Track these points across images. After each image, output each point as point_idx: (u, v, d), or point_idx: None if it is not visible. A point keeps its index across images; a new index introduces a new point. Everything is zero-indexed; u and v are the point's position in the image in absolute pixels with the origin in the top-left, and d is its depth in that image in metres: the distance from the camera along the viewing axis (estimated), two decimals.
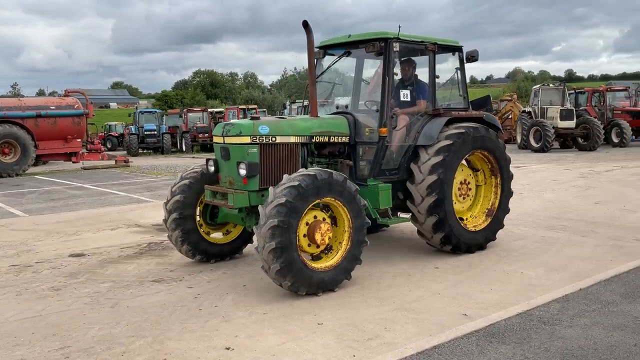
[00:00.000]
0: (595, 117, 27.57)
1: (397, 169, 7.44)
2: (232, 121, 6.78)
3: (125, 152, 37.43)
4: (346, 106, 8.11)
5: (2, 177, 20.47)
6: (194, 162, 26.46)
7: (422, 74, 7.85)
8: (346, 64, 8.15)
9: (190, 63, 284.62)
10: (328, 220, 6.17)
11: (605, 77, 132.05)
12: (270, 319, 5.35)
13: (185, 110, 40.94)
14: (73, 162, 23.31)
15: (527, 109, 28.92)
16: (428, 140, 7.30)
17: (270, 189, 5.90)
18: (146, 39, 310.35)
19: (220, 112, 39.42)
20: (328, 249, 6.28)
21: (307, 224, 6.00)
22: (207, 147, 36.24)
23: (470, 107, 8.27)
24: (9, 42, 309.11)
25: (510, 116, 34.00)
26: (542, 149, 25.73)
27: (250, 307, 5.71)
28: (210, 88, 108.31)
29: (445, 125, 7.43)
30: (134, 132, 36.99)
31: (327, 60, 7.96)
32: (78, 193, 15.26)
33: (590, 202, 11.36)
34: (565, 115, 25.96)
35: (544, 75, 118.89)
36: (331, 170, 6.12)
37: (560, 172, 17.04)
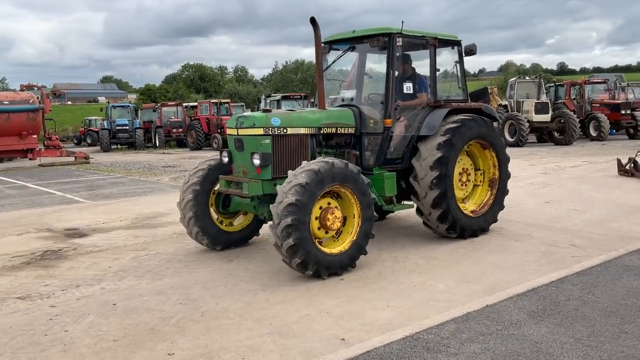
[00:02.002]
0: (573, 111, 26.94)
1: (400, 158, 7.77)
2: (245, 114, 7.17)
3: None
4: (351, 99, 8.32)
5: None
6: (160, 159, 25.70)
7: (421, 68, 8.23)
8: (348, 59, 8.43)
9: (182, 57, 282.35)
10: (339, 206, 6.47)
11: (597, 70, 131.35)
12: (117, 349, 4.63)
13: (159, 104, 40.01)
14: (30, 159, 22.49)
15: (504, 102, 28.27)
16: (430, 130, 7.58)
17: (290, 172, 6.22)
18: (138, 33, 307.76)
19: (194, 107, 38.50)
20: (338, 234, 6.56)
21: (320, 208, 6.30)
22: (182, 143, 35.35)
23: (469, 98, 8.58)
24: None
25: None
26: (517, 144, 25.02)
27: (105, 332, 4.98)
28: (199, 82, 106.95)
29: (446, 116, 7.68)
30: (106, 127, 36.09)
31: (332, 56, 8.15)
32: (14, 193, 14.50)
33: (541, 201, 10.69)
34: (540, 108, 25.31)
35: (536, 68, 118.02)
36: (346, 161, 6.49)
37: (524, 168, 16.36)
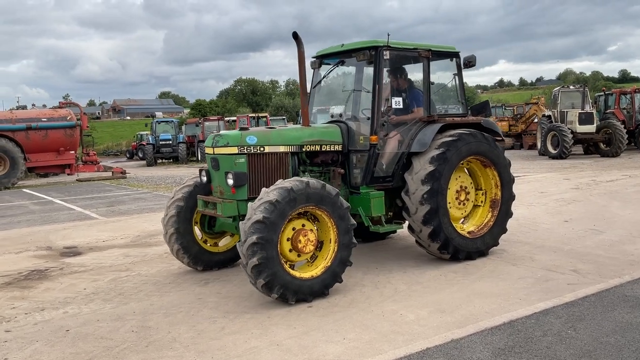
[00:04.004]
0: (622, 121, 25.62)
1: (391, 177, 7.41)
2: (221, 132, 6.94)
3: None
4: (340, 115, 8.07)
5: None
6: (195, 173, 25.71)
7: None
8: (348, 72, 8.29)
9: (238, 71, 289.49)
10: (314, 228, 6.17)
11: None
12: None
13: (202, 119, 40.62)
14: (68, 174, 23.09)
15: (548, 112, 27.17)
16: (421, 147, 7.22)
17: (263, 189, 5.97)
18: (196, 49, 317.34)
19: (234, 121, 38.88)
20: (313, 258, 6.28)
21: (293, 229, 6.04)
22: None
23: (470, 112, 8.24)
24: (65, 54, 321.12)
25: (535, 120, 32.19)
26: (560, 156, 23.96)
27: None
28: (250, 96, 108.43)
29: (440, 131, 7.33)
30: (150, 141, 36.90)
31: (324, 70, 8.02)
32: (37, 209, 14.78)
33: (560, 220, 10.01)
34: (584, 119, 24.16)
35: (596, 76, 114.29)
36: (324, 183, 6.16)
37: (556, 182, 15.54)
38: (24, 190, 20.18)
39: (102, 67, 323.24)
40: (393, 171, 7.41)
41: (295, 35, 6.86)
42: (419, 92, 7.68)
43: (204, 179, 7.03)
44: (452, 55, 7.90)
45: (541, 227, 9.50)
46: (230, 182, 6.49)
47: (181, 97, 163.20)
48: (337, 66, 7.83)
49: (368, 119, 7.25)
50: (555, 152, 24.33)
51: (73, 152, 22.39)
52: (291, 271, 5.98)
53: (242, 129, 6.87)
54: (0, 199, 17.52)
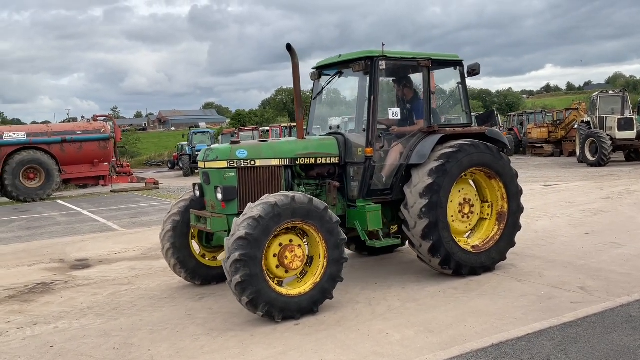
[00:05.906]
0: None
1: (389, 189, 7.21)
2: (212, 146, 6.89)
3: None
4: (338, 126, 7.99)
5: (27, 201, 20.89)
6: None
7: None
8: (350, 83, 8.15)
9: (280, 81, 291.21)
10: (302, 243, 6.07)
11: None
12: None
13: (237, 129, 41.02)
14: (102, 186, 23.58)
15: (587, 118, 26.29)
16: (420, 158, 7.01)
17: (249, 204, 5.87)
18: (239, 60, 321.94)
19: (267, 131, 39.12)
20: (303, 274, 6.16)
21: (280, 245, 5.93)
22: None
23: (476, 122, 8.09)
24: (114, 68, 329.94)
25: (575, 126, 31.17)
26: (599, 163, 23.11)
27: None
28: (291, 105, 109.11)
29: (441, 142, 7.11)
30: (187, 152, 37.44)
31: (324, 82, 7.91)
32: (63, 220, 15.08)
33: (580, 232, 9.59)
34: (623, 124, 23.25)
35: None
36: (312, 197, 6.03)
37: (588, 191, 14.93)
38: (58, 201, 20.67)
39: (149, 79, 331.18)
40: (392, 184, 7.22)
41: (289, 47, 6.78)
42: (422, 103, 7.47)
43: (197, 193, 7.03)
44: (455, 63, 7.70)
45: (559, 239, 9.10)
46: (220, 196, 6.42)
47: (224, 108, 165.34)
48: (336, 77, 7.70)
49: (364, 130, 7.08)
50: (594, 159, 23.48)
51: (107, 163, 22.83)
52: (277, 288, 5.86)
53: (232, 142, 6.81)
54: (33, 210, 18.00)
